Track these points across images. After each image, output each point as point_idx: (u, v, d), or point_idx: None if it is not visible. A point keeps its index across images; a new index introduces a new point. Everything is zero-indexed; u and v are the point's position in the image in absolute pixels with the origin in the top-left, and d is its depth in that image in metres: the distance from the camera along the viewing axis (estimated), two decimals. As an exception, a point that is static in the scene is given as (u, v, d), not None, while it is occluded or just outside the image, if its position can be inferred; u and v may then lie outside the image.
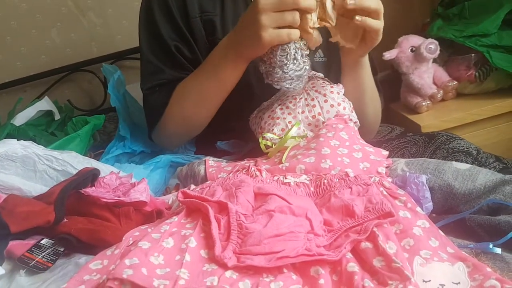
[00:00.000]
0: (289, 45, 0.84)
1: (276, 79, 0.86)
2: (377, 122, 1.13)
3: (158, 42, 1.08)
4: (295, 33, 0.82)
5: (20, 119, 1.43)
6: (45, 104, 1.50)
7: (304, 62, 0.86)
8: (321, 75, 1.03)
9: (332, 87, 0.96)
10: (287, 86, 0.86)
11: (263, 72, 0.88)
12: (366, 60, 1.00)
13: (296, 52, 0.84)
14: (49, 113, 1.50)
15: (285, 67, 0.84)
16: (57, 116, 1.49)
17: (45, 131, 1.42)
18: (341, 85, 0.98)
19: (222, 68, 0.94)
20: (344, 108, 0.93)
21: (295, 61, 0.84)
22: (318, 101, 0.94)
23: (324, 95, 0.94)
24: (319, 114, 0.92)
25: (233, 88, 0.98)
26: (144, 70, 1.12)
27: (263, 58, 0.88)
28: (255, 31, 0.82)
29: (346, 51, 0.95)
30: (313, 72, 1.03)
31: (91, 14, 1.79)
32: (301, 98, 0.95)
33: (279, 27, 0.81)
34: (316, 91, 0.95)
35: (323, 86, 0.96)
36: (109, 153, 1.19)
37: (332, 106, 0.93)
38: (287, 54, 0.84)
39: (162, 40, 1.08)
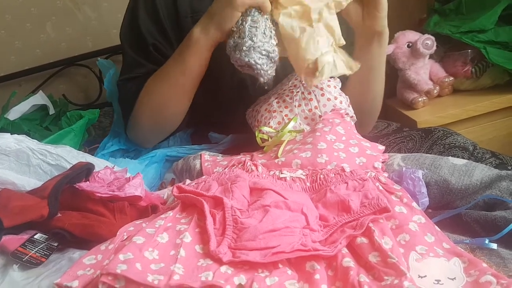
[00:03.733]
0: (259, 18, 0.83)
1: (245, 49, 0.82)
2: (378, 107, 1.10)
3: (138, 40, 1.07)
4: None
5: (14, 113, 1.42)
6: (39, 98, 1.49)
7: (272, 41, 0.84)
8: None
9: (329, 80, 0.95)
10: (255, 60, 0.82)
11: (231, 46, 0.85)
12: (382, 38, 0.97)
13: (265, 27, 0.84)
14: (43, 108, 1.49)
15: (255, 38, 0.82)
16: (52, 111, 1.48)
17: (40, 125, 1.41)
18: (338, 79, 0.97)
19: (189, 54, 0.94)
20: (341, 102, 0.93)
21: (264, 35, 0.83)
22: (315, 95, 0.93)
23: (321, 88, 0.94)
24: (315, 107, 0.92)
25: (202, 76, 0.97)
26: (125, 63, 1.11)
27: (232, 29, 0.86)
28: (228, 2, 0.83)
29: (360, 24, 0.94)
30: None
31: (86, 8, 1.78)
32: (298, 91, 0.95)
33: None
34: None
35: None
36: (105, 148, 1.18)
37: (328, 99, 0.93)
38: (256, 26, 0.83)
39: (142, 39, 1.06)
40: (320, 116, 0.91)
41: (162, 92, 1.00)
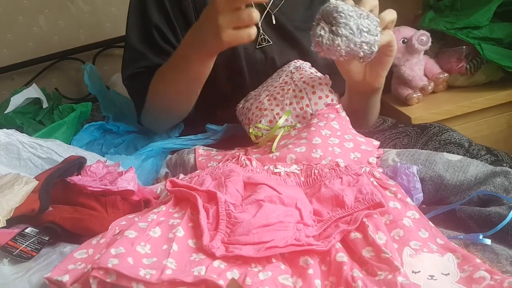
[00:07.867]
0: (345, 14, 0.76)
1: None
2: (371, 126, 1.15)
3: (145, 26, 1.07)
4: (254, 32, 0.80)
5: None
6: (33, 91, 1.48)
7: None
8: (308, 64, 1.02)
9: (320, 78, 0.95)
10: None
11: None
12: (378, 91, 0.99)
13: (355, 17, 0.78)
14: (36, 101, 1.47)
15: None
16: (45, 104, 1.46)
17: (33, 119, 1.39)
18: (327, 77, 0.96)
19: (189, 62, 0.93)
20: (332, 100, 0.93)
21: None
22: (306, 93, 0.93)
23: (312, 86, 0.93)
24: (307, 105, 0.91)
25: (207, 78, 0.96)
26: (127, 55, 1.11)
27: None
28: (214, 31, 0.82)
29: (359, 81, 0.94)
30: (300, 61, 1.02)
31: (79, 1, 1.76)
32: (289, 89, 0.94)
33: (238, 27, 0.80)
34: (304, 82, 0.94)
35: (311, 78, 0.95)
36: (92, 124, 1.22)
37: (320, 97, 0.92)
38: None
39: (149, 24, 1.06)
40: (311, 115, 0.90)
41: (169, 93, 1.02)
